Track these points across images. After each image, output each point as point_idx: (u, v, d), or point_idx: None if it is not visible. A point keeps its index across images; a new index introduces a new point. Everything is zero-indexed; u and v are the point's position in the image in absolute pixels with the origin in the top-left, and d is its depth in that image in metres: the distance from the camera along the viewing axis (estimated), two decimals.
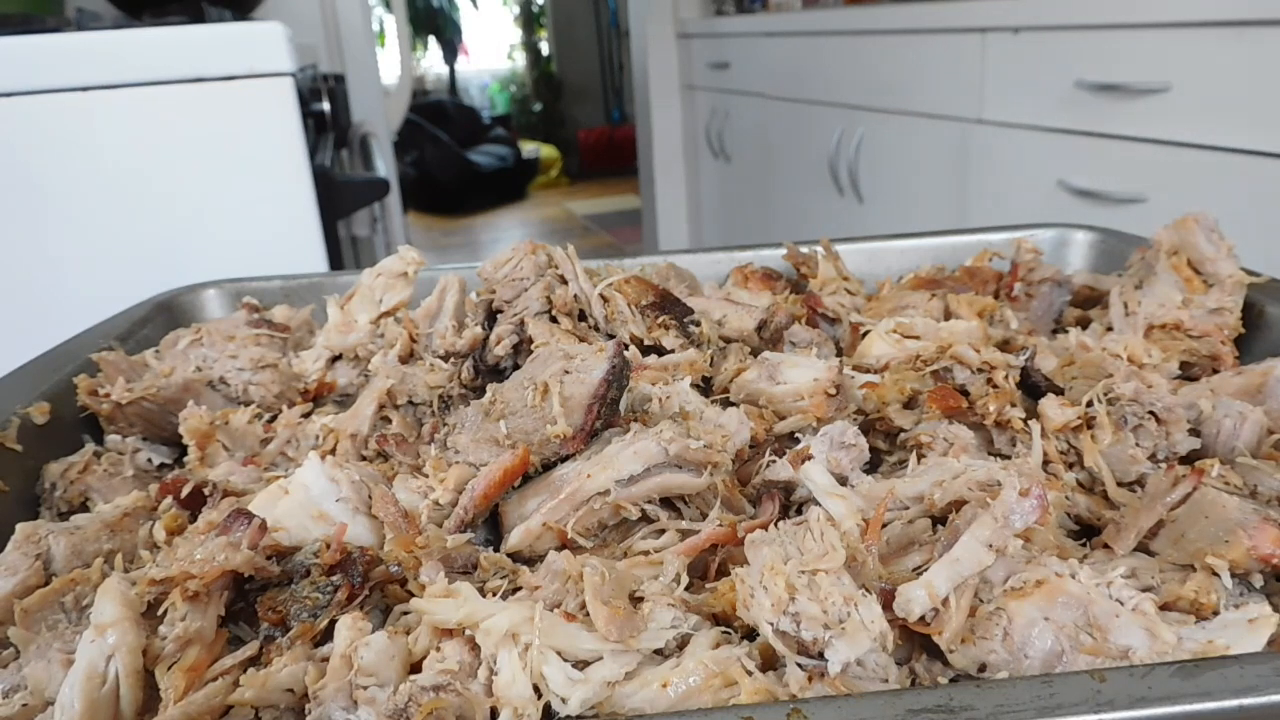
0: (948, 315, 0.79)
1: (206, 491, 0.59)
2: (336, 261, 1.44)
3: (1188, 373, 0.69)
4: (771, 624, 0.40)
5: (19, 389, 0.68)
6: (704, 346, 0.69)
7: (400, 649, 0.42)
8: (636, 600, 0.44)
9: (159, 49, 1.21)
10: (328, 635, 0.43)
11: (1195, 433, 0.58)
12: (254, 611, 0.46)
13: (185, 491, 0.58)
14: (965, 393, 0.63)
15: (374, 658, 0.41)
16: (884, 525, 0.49)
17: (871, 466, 0.59)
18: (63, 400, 0.69)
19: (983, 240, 0.95)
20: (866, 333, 0.73)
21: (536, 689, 0.40)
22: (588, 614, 0.42)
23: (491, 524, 0.54)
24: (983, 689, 0.36)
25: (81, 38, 1.21)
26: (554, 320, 0.67)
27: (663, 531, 0.51)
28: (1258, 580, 0.46)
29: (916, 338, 0.69)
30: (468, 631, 0.42)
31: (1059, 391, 0.60)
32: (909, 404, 0.63)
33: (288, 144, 1.30)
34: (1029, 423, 0.59)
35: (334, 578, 0.46)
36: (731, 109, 3.20)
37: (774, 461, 0.55)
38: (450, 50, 7.77)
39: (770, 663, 0.42)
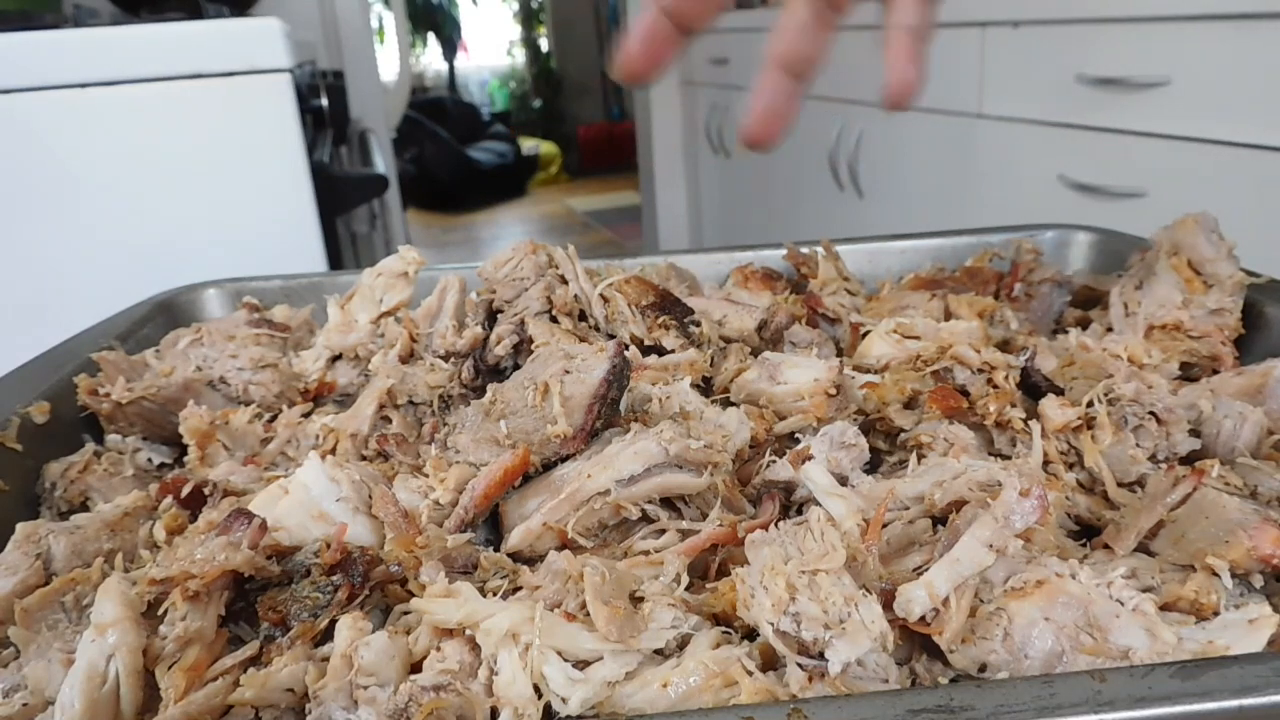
0: (948, 315, 0.79)
1: (206, 491, 0.59)
2: (336, 258, 1.44)
3: (1188, 373, 0.69)
4: (772, 624, 0.40)
5: (19, 389, 0.68)
6: (704, 346, 0.69)
7: (400, 649, 0.42)
8: (637, 600, 0.44)
9: (156, 45, 1.21)
10: (328, 635, 0.43)
11: (1195, 433, 0.58)
12: (254, 611, 0.46)
13: (185, 491, 0.58)
14: (965, 393, 0.63)
15: (374, 658, 0.41)
16: (884, 525, 0.49)
17: (871, 466, 0.59)
18: (63, 400, 0.69)
19: (983, 240, 0.95)
20: (867, 333, 0.73)
21: (537, 689, 0.40)
22: (588, 614, 0.42)
23: (492, 524, 0.54)
24: (983, 689, 0.36)
25: (79, 34, 1.21)
26: (554, 320, 0.67)
27: (663, 531, 0.51)
28: (1258, 580, 0.46)
29: (917, 338, 0.69)
30: (468, 631, 0.42)
31: (1059, 392, 0.60)
32: (909, 404, 0.63)
33: (286, 140, 1.30)
34: (1029, 423, 0.58)
35: (334, 578, 0.46)
36: (731, 105, 3.19)
37: (774, 461, 0.55)
38: (449, 47, 7.76)
39: (770, 663, 0.42)
